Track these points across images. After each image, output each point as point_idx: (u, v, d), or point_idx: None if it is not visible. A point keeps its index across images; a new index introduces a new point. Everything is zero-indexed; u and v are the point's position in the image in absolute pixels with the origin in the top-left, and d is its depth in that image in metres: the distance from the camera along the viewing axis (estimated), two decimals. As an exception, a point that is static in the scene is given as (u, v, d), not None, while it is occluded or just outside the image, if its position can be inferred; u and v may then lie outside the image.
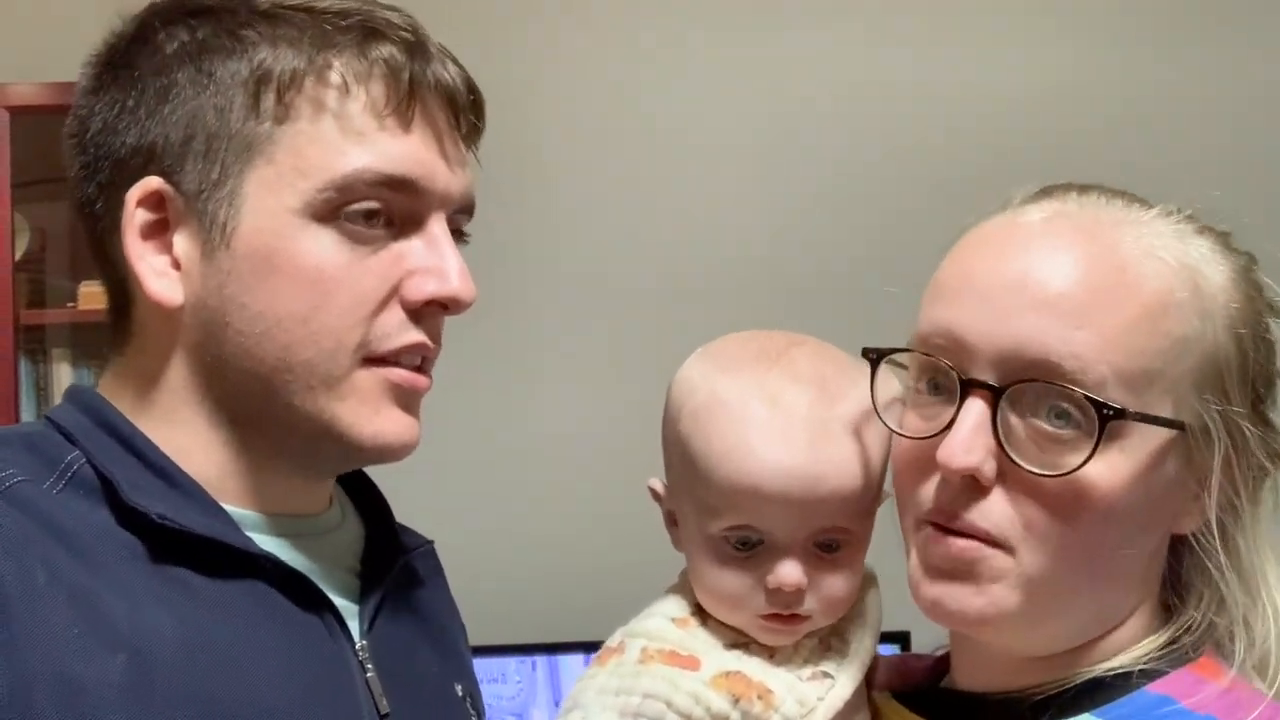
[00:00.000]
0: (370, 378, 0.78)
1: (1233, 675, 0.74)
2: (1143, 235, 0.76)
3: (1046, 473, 0.72)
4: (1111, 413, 0.71)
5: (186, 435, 0.79)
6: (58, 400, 2.17)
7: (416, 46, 0.79)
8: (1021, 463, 0.72)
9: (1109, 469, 0.72)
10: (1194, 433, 0.74)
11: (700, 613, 0.87)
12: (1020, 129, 2.18)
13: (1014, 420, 0.73)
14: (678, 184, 2.38)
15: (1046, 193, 0.80)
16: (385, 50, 0.78)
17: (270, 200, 0.76)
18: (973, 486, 0.73)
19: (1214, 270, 0.76)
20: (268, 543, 0.79)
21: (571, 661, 2.05)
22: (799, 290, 2.23)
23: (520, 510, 2.23)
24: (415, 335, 0.79)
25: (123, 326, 0.81)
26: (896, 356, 0.80)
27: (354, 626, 0.82)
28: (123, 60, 0.79)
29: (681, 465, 0.86)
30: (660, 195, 2.37)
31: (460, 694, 0.91)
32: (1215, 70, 2.31)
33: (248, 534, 0.78)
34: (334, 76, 0.77)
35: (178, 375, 0.79)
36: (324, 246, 0.76)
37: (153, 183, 0.77)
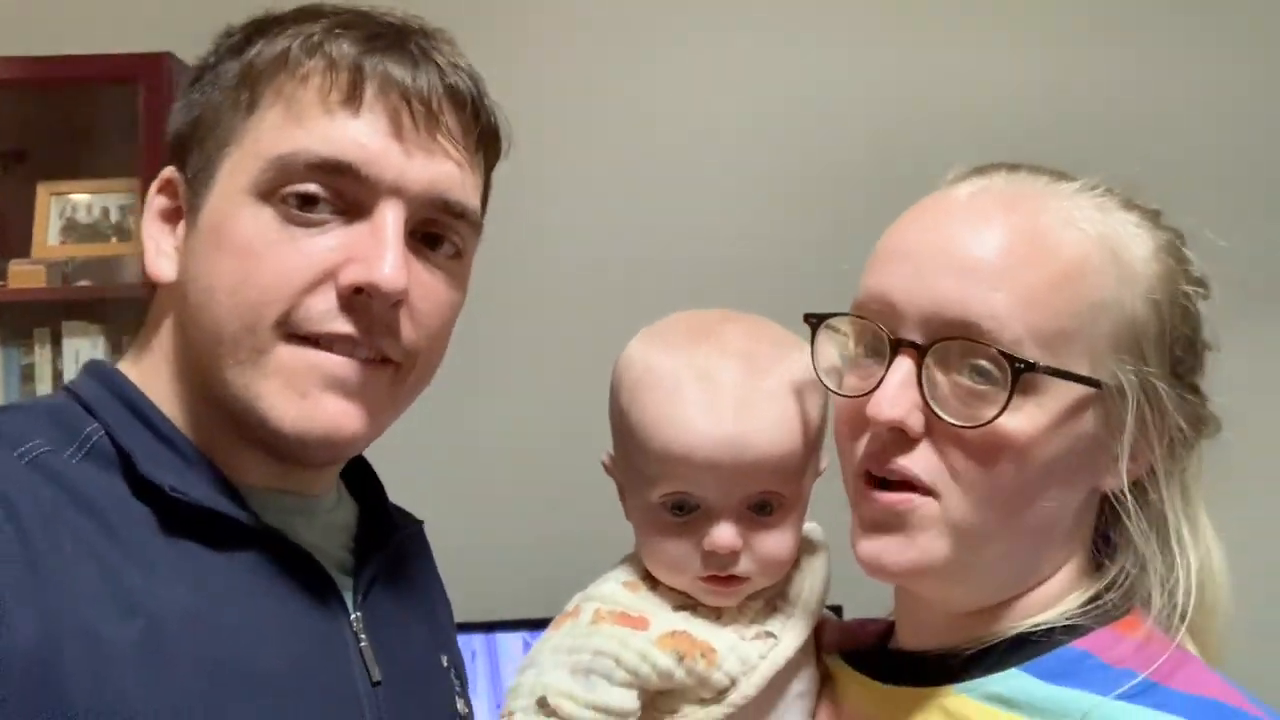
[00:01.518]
0: (293, 356, 0.78)
1: (1150, 629, 0.78)
2: (1063, 207, 0.79)
3: (966, 424, 0.75)
4: (1023, 366, 0.74)
5: (187, 411, 0.81)
6: (-15, 378, 2.17)
7: (382, 42, 0.80)
8: (944, 415, 0.76)
9: (1025, 420, 0.76)
10: (1110, 391, 0.77)
11: (650, 578, 0.90)
12: (995, 126, 2.18)
13: (938, 377, 0.77)
14: (650, 178, 2.39)
15: (977, 171, 0.84)
16: (343, 44, 0.79)
17: (229, 182, 0.79)
18: (901, 439, 0.77)
19: (1135, 242, 0.80)
20: (269, 518, 0.80)
21: (510, 640, 2.08)
22: (772, 287, 2.26)
23: (464, 494, 2.24)
24: (340, 325, 0.77)
25: (149, 308, 0.85)
26: (837, 324, 0.84)
27: (348, 600, 0.84)
28: (194, 69, 0.86)
29: (623, 437, 0.89)
30: (633, 187, 2.38)
31: (445, 664, 0.94)
32: (1169, 69, 2.36)
33: (253, 509, 0.80)
34: (297, 69, 0.79)
35: (175, 351, 0.82)
36: (260, 222, 0.77)
37: (168, 171, 0.83)
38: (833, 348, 0.85)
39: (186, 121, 0.83)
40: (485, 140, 0.84)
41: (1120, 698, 0.74)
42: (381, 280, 0.76)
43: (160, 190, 0.83)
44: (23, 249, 2.25)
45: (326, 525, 0.87)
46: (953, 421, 0.76)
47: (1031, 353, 0.75)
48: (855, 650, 0.91)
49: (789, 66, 2.39)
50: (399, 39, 0.81)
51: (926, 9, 2.40)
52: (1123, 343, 0.78)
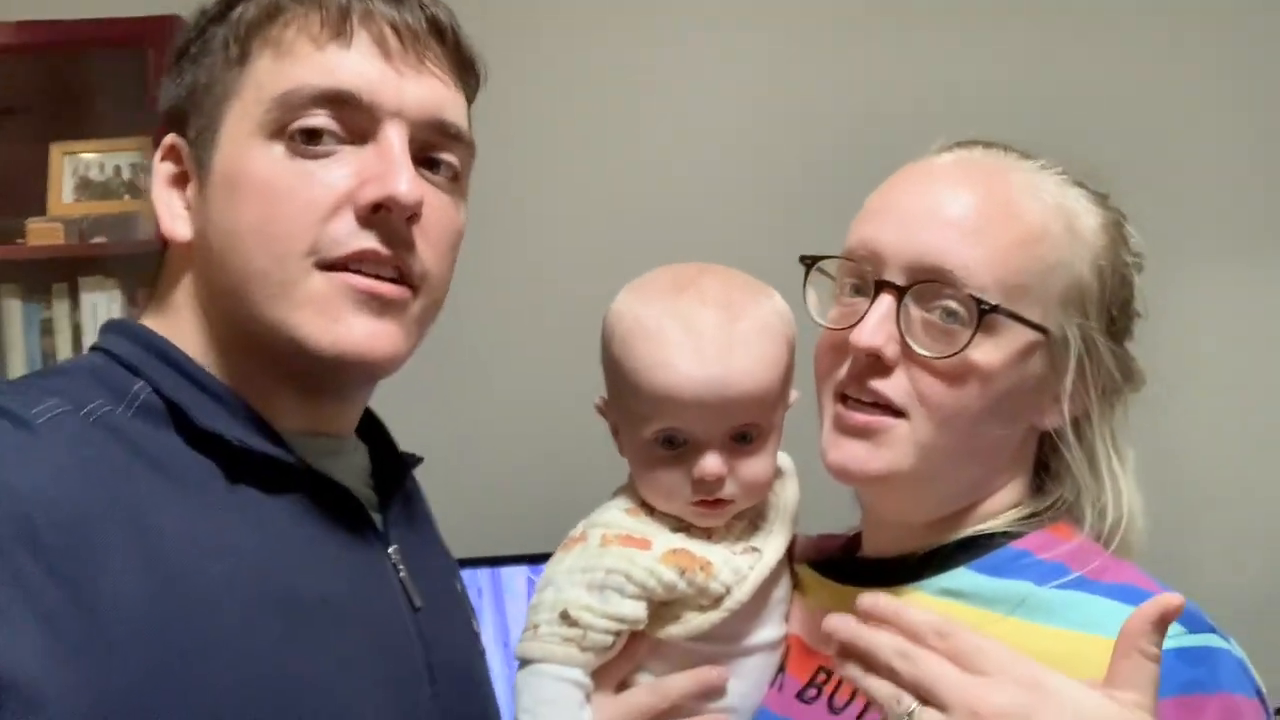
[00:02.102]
0: (325, 283, 0.80)
1: (1083, 537, 0.91)
2: (1029, 179, 0.93)
3: (936, 355, 0.88)
4: (988, 307, 0.87)
5: (218, 362, 0.84)
6: (11, 337, 2.24)
7: None
8: (916, 346, 0.89)
9: (984, 355, 0.88)
10: (1056, 340, 0.90)
11: (646, 505, 1.00)
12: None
13: (914, 313, 0.89)
14: (651, 125, 2.43)
15: (958, 144, 0.98)
16: None
17: (236, 129, 0.81)
18: (877, 365, 0.90)
19: (1086, 215, 0.93)
20: (309, 461, 0.83)
21: (515, 573, 2.18)
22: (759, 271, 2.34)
23: (465, 429, 2.33)
24: (364, 241, 0.80)
25: (160, 268, 0.88)
26: (825, 265, 0.97)
27: (383, 535, 0.89)
28: (180, 39, 0.88)
29: (615, 383, 0.99)
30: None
31: (459, 589, 1.02)
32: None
33: (297, 453, 0.83)
34: (283, 16, 0.82)
35: (199, 306, 0.84)
36: (274, 159, 0.80)
37: (170, 138, 0.86)
38: (817, 288, 0.97)
39: (180, 93, 0.85)
40: (465, 69, 0.88)
41: (1054, 587, 0.86)
42: (399, 193, 0.79)
43: (165, 157, 0.86)
44: (37, 207, 2.30)
45: (352, 465, 0.91)
46: (923, 352, 0.88)
47: (995, 298, 0.88)
48: (822, 560, 1.03)
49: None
50: None
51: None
52: (1070, 300, 0.91)
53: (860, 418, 0.90)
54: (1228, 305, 2.40)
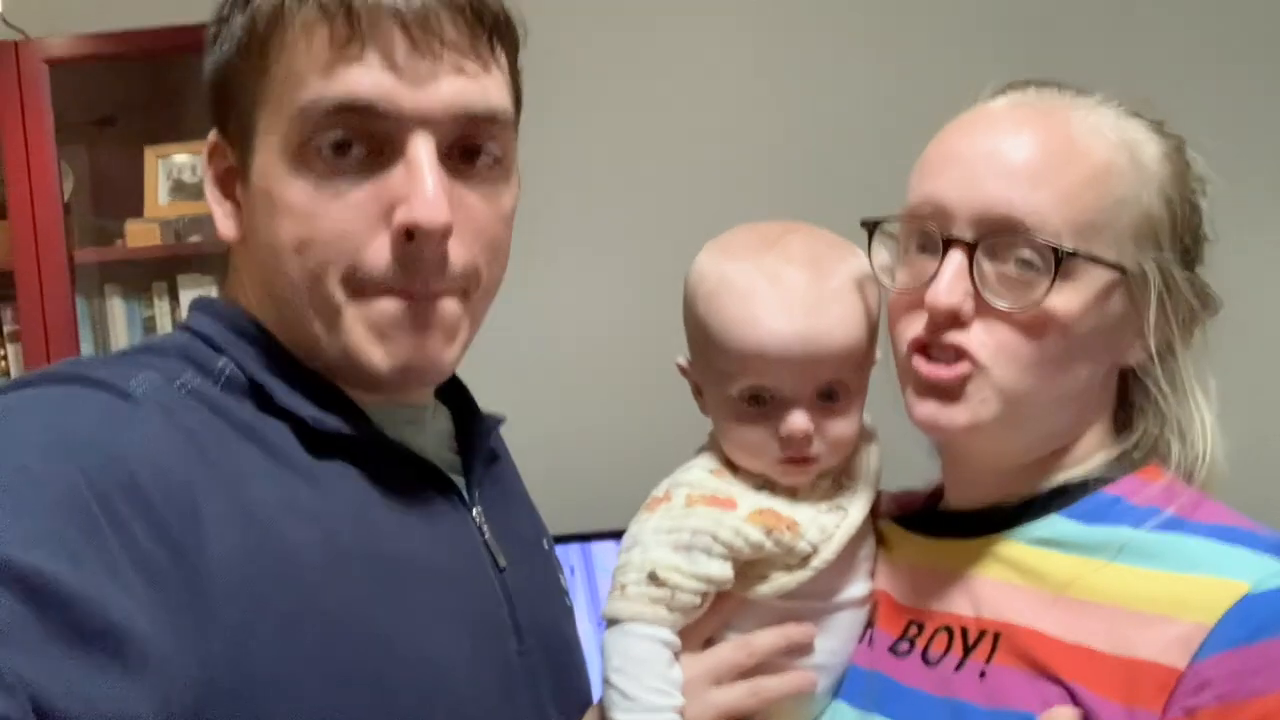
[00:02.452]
0: (365, 310, 0.80)
1: (1171, 476, 0.90)
2: (1089, 116, 0.90)
3: (1015, 307, 0.86)
4: (1065, 253, 0.85)
5: (290, 343, 0.84)
6: (116, 335, 2.32)
7: None
8: (994, 300, 0.87)
9: (1064, 301, 0.86)
10: (1133, 277, 0.88)
11: (730, 464, 1.00)
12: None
13: (987, 267, 0.88)
14: (689, 88, 2.45)
15: (1010, 86, 0.95)
16: None
17: (268, 140, 0.80)
18: (954, 323, 0.88)
19: (1149, 146, 0.90)
20: (389, 432, 0.85)
21: (605, 549, 2.20)
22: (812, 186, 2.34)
23: (549, 408, 2.36)
24: (394, 279, 0.79)
25: (229, 256, 0.90)
26: (888, 227, 0.95)
27: (466, 497, 0.91)
28: (210, 25, 0.86)
29: (701, 342, 1.00)
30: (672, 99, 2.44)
31: (547, 547, 1.03)
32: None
33: (378, 426, 0.84)
34: (294, 21, 0.79)
35: (260, 299, 0.86)
36: (305, 181, 0.79)
37: (213, 137, 0.86)
38: (884, 249, 0.96)
39: (215, 79, 0.84)
40: (497, 34, 0.83)
41: (1152, 530, 0.85)
42: (423, 218, 0.77)
43: (211, 158, 0.86)
44: (135, 210, 2.38)
45: (433, 433, 0.92)
46: (1002, 305, 0.86)
47: (1069, 242, 0.85)
48: (906, 515, 1.03)
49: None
50: None
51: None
52: (1143, 234, 0.88)
53: (942, 371, 0.89)
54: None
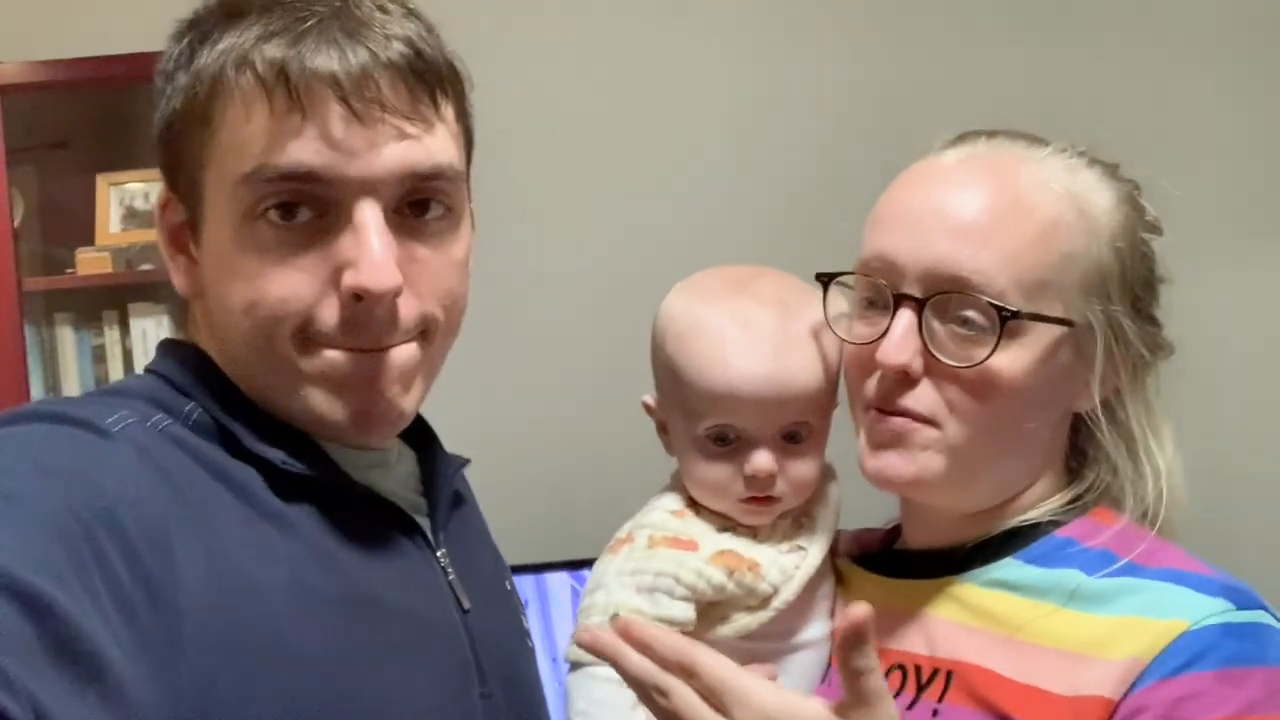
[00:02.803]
0: (319, 363, 0.81)
1: (1125, 521, 0.92)
2: (1037, 170, 0.92)
3: (962, 365, 0.88)
4: (1009, 314, 0.87)
5: (253, 389, 0.85)
6: (65, 364, 2.29)
7: (306, 35, 0.78)
8: (942, 358, 0.89)
9: (1011, 359, 0.88)
10: (1081, 329, 0.90)
11: (693, 505, 1.02)
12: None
13: (935, 325, 0.90)
14: (661, 116, 2.46)
15: (961, 138, 0.97)
16: (270, 51, 0.78)
17: (216, 204, 0.81)
18: (905, 379, 0.90)
19: (1099, 195, 0.92)
20: (354, 475, 0.86)
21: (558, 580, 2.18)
22: (774, 223, 2.35)
23: (502, 435, 2.35)
24: (345, 339, 0.80)
25: (186, 300, 0.90)
26: (844, 279, 0.97)
27: (431, 539, 0.91)
28: (156, 79, 0.85)
29: (669, 381, 1.01)
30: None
31: (509, 588, 1.04)
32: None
33: (344, 470, 0.86)
34: (235, 88, 0.79)
35: (220, 347, 0.86)
36: (253, 245, 0.79)
37: (164, 193, 0.86)
38: (842, 299, 0.98)
39: (164, 134, 0.84)
40: (439, 89, 0.82)
41: (1103, 577, 0.87)
42: (371, 283, 0.78)
43: (164, 214, 0.86)
44: (86, 237, 2.34)
45: (397, 475, 0.93)
46: (950, 363, 0.88)
47: (1015, 302, 0.87)
48: (864, 554, 1.05)
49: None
50: (323, 25, 0.78)
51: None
52: (1091, 286, 0.90)
53: (892, 424, 0.91)
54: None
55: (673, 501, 1.04)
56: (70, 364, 2.32)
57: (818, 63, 2.46)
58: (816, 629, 1.01)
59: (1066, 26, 2.43)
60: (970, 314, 0.88)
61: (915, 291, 0.90)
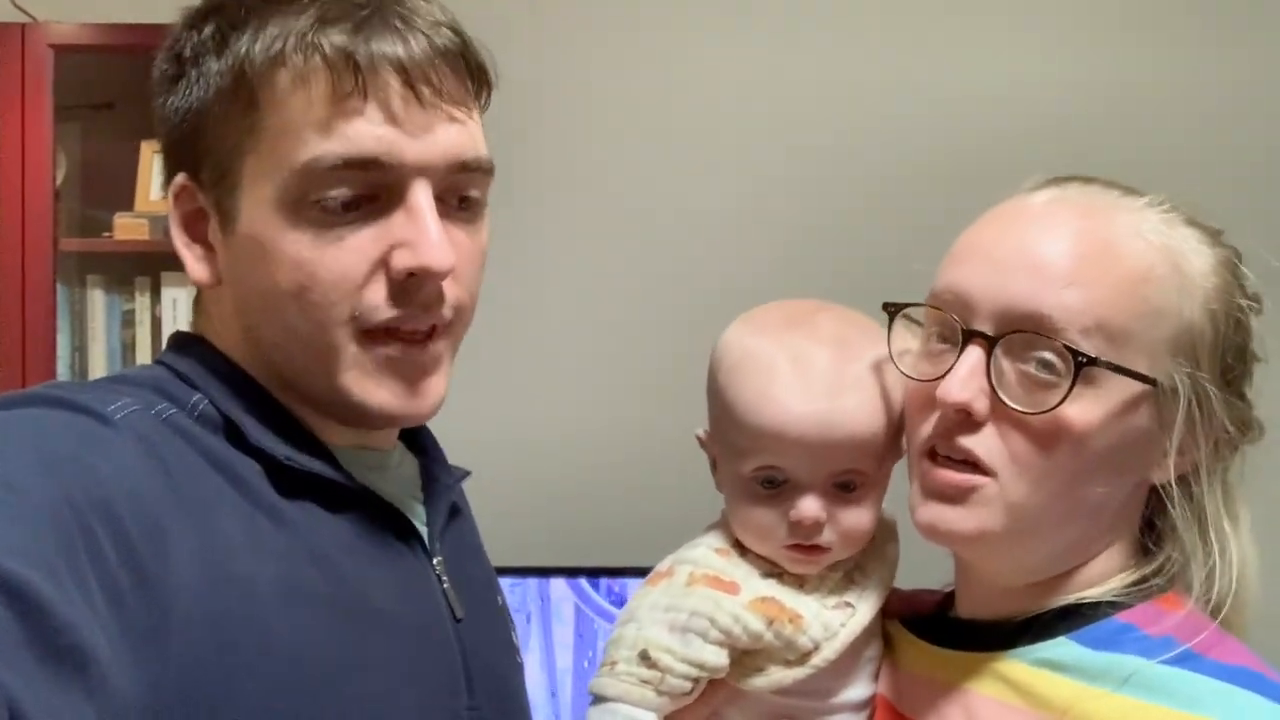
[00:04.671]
0: (367, 350, 0.82)
1: (1190, 608, 0.86)
2: (1132, 219, 0.86)
3: (1030, 410, 0.83)
4: (1085, 359, 0.82)
5: (264, 381, 0.86)
6: (94, 326, 2.28)
7: (367, 22, 0.80)
8: (1009, 401, 0.84)
9: (1083, 410, 0.83)
10: (1164, 390, 0.84)
11: (739, 546, 0.97)
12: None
13: (1005, 365, 0.84)
14: (694, 113, 2.43)
15: (1052, 181, 0.92)
16: (333, 37, 0.79)
17: (257, 191, 0.81)
18: (966, 421, 0.85)
19: (1196, 256, 0.86)
20: (356, 475, 0.86)
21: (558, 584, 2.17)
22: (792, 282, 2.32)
23: (518, 444, 2.33)
24: (398, 311, 0.81)
25: (198, 293, 0.90)
26: (913, 313, 0.92)
27: (428, 546, 0.91)
28: (164, 61, 0.85)
29: (719, 414, 0.97)
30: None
31: (500, 603, 1.02)
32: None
33: (346, 470, 0.86)
34: (286, 70, 0.79)
35: (236, 338, 0.86)
36: (303, 232, 0.80)
37: (181, 179, 0.84)
38: (908, 334, 0.93)
39: (183, 124, 0.83)
40: (479, 84, 0.86)
41: (1162, 664, 0.81)
42: (432, 262, 0.80)
43: (178, 202, 0.85)
44: (125, 202, 2.33)
45: (399, 479, 0.93)
46: (1017, 408, 0.83)
47: (1096, 347, 0.82)
48: (914, 616, 0.99)
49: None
50: (382, 11, 0.81)
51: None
52: (1180, 347, 0.85)
53: (948, 476, 0.86)
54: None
55: (718, 539, 0.99)
56: (99, 327, 2.32)
57: (894, 61, 2.41)
58: (857, 691, 0.96)
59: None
60: (1046, 355, 0.83)
61: (987, 329, 0.85)
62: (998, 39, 2.41)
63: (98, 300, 2.31)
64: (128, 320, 2.33)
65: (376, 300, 0.81)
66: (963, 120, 2.33)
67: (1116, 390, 0.83)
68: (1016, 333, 0.84)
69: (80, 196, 2.35)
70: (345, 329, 0.81)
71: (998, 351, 0.84)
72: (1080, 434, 0.83)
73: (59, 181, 2.24)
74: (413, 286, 0.81)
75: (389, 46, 0.80)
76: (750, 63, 2.42)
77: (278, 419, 0.84)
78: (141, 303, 2.33)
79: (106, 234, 2.29)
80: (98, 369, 2.28)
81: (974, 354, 0.85)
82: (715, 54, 2.42)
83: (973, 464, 0.85)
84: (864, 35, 2.42)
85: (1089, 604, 0.87)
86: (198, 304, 0.90)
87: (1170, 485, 0.86)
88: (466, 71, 0.84)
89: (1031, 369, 0.83)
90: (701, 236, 2.36)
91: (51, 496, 0.68)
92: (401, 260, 0.80)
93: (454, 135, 0.82)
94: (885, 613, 0.99)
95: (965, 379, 0.84)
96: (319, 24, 0.79)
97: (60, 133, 2.21)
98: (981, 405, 0.84)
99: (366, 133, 0.79)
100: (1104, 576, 0.89)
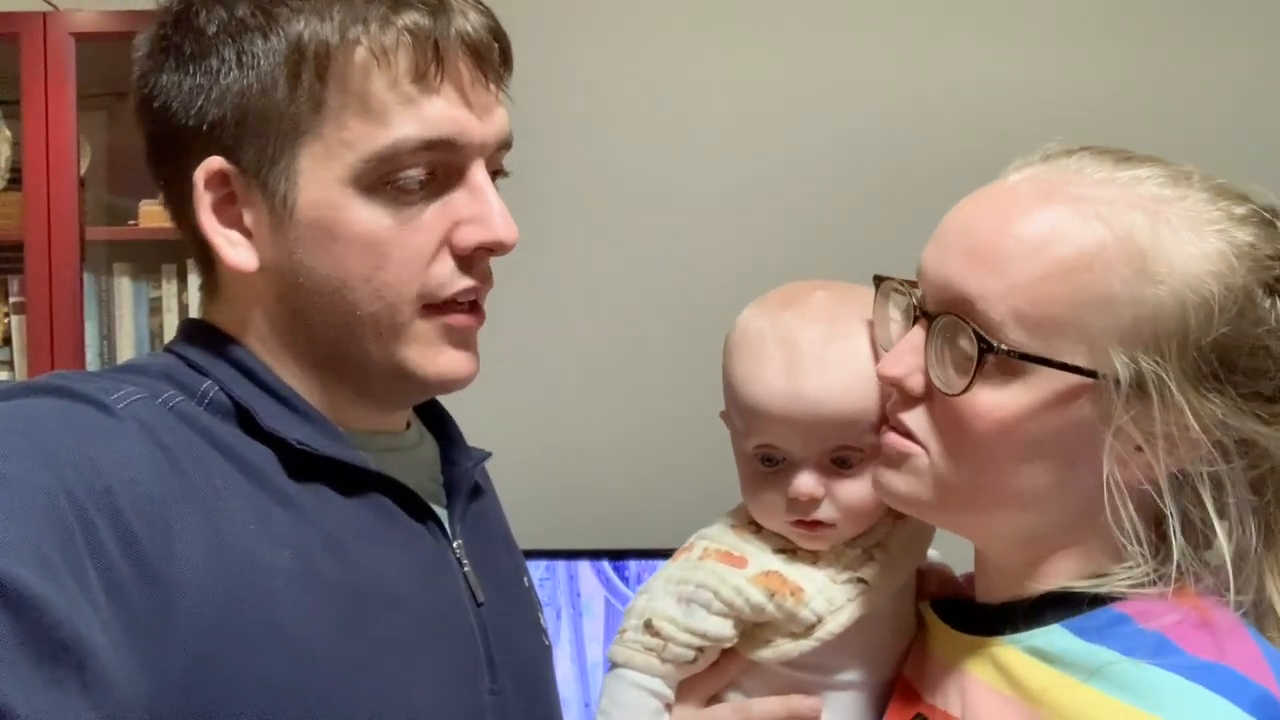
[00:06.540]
0: (429, 326, 0.83)
1: (1203, 602, 0.80)
2: (1097, 196, 0.80)
3: (945, 390, 0.82)
4: (987, 347, 0.79)
5: (282, 366, 0.85)
6: (121, 314, 2.30)
7: (439, 4, 0.81)
8: (934, 378, 0.83)
9: (1004, 399, 0.80)
10: (1110, 383, 0.78)
11: (754, 522, 0.98)
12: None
13: (943, 345, 0.83)
14: (704, 115, 2.44)
15: (1045, 156, 0.86)
16: (410, 17, 0.79)
17: (323, 173, 0.79)
18: (907, 397, 0.85)
19: (1191, 238, 0.78)
20: (372, 460, 0.85)
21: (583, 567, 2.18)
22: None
23: (544, 430, 2.35)
24: (466, 281, 0.83)
25: (211, 280, 0.87)
26: (899, 286, 0.90)
27: (448, 529, 0.90)
28: (172, 41, 0.81)
29: (726, 394, 0.98)
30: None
31: (527, 585, 1.02)
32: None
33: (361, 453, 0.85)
34: (363, 50, 0.78)
35: (264, 325, 0.84)
36: (375, 213, 0.80)
37: (215, 163, 0.80)
38: (896, 308, 0.92)
39: (224, 108, 0.79)
40: (509, 63, 0.87)
41: (1137, 658, 0.77)
42: (505, 237, 0.83)
43: (209, 185, 0.81)
44: (150, 190, 2.35)
45: (416, 461, 0.92)
46: (938, 387, 0.83)
47: (1016, 336, 0.79)
48: (949, 600, 0.97)
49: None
50: None
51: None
52: (1139, 337, 0.78)
53: (890, 438, 0.87)
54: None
55: (736, 517, 1.01)
56: (126, 314, 2.34)
57: (898, 59, 2.42)
58: (877, 671, 0.95)
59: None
60: (962, 340, 0.82)
61: (930, 308, 0.85)
62: (998, 39, 2.41)
63: (125, 288, 2.34)
64: (155, 307, 2.35)
65: (443, 276, 0.83)
66: (963, 120, 2.34)
67: (1048, 381, 0.80)
68: (945, 314, 0.83)
69: (105, 185, 2.37)
70: (411, 305, 0.82)
71: (935, 330, 0.84)
72: (997, 422, 0.80)
73: (84, 170, 2.26)
74: (477, 259, 0.84)
75: (463, 25, 0.81)
76: (755, 62, 2.43)
77: (291, 405, 0.83)
78: (169, 290, 2.35)
79: (132, 222, 2.31)
80: (126, 356, 2.31)
81: (917, 332, 0.85)
82: (717, 54, 2.43)
83: (908, 434, 0.86)
84: (868, 35, 2.42)
85: (1083, 593, 0.83)
86: (209, 291, 0.88)
87: (1160, 482, 0.80)
88: (503, 50, 0.85)
89: (961, 352, 0.82)
90: (725, 212, 2.37)
91: (51, 490, 0.67)
92: (472, 236, 0.82)
93: (503, 115, 0.85)
94: (921, 593, 0.99)
95: (899, 354, 0.85)
96: (395, 3, 0.79)
97: (84, 121, 2.22)
98: (915, 382, 0.85)
99: (444, 113, 0.80)
100: (1079, 568, 0.85)
